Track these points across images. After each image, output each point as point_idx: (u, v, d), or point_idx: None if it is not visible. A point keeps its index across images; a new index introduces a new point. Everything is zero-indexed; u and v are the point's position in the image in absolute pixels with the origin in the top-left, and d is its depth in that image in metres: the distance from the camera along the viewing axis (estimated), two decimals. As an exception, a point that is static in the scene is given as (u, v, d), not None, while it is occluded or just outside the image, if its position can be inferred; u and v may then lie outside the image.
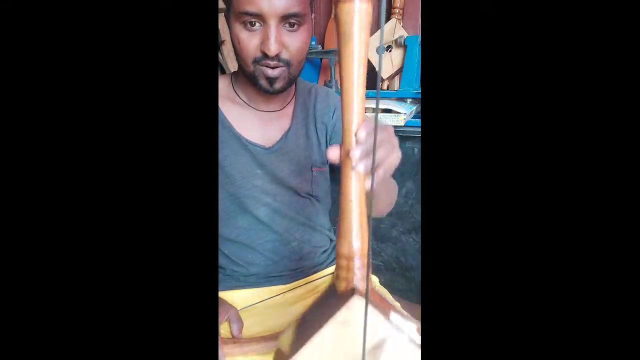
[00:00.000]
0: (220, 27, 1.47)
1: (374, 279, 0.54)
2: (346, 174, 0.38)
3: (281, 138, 0.70)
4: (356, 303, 0.36)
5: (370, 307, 0.35)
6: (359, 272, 0.39)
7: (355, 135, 0.37)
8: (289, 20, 0.57)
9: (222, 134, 0.67)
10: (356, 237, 0.39)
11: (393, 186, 0.70)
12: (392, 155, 0.42)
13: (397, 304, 0.58)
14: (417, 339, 0.36)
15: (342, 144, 0.38)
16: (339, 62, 0.36)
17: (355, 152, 0.37)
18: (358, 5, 0.33)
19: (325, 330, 0.36)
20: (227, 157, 0.67)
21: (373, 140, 0.36)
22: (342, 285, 0.40)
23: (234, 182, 0.68)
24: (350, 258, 0.39)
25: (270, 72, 0.60)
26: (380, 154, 0.39)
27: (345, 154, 0.38)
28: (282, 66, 0.60)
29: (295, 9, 0.56)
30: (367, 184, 0.38)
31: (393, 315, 0.37)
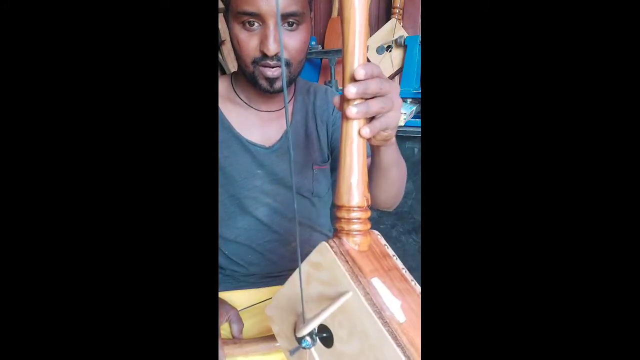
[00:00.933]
0: (220, 27, 1.47)
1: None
2: (345, 126, 0.37)
3: (281, 137, 0.70)
4: (324, 248, 0.38)
5: (337, 261, 0.36)
6: (359, 225, 0.38)
7: (353, 73, 0.35)
8: (287, 19, 0.57)
9: (222, 135, 0.67)
10: (356, 188, 0.38)
11: (398, 174, 0.61)
12: (390, 113, 0.40)
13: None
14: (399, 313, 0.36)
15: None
16: (341, 15, 0.36)
17: (350, 89, 0.35)
18: None
19: (299, 270, 0.39)
20: (228, 157, 0.68)
21: (372, 84, 0.36)
22: (350, 240, 0.39)
23: (234, 183, 0.68)
24: (350, 209, 0.38)
25: (270, 73, 0.60)
26: (376, 104, 0.37)
27: (345, 100, 0.37)
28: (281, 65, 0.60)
29: (293, 8, 0.56)
30: (364, 132, 0.37)
31: (375, 281, 0.37)
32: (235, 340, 0.62)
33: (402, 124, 1.27)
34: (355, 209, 0.38)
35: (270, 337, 0.61)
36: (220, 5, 0.67)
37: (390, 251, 0.42)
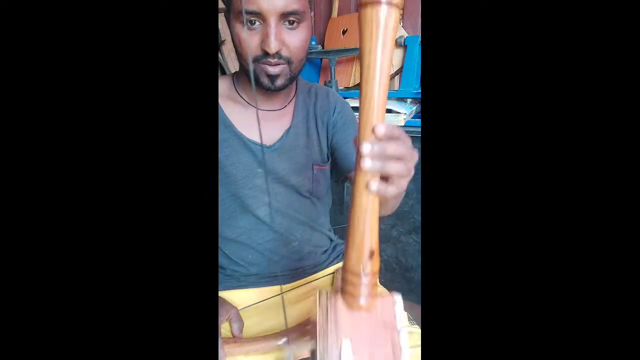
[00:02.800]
0: (220, 27, 1.47)
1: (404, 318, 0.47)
2: (359, 182, 0.35)
3: (282, 136, 0.70)
4: (317, 294, 0.37)
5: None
6: (366, 290, 0.36)
7: (373, 129, 0.33)
8: (288, 17, 0.57)
9: (223, 134, 0.67)
10: (367, 251, 0.36)
11: (398, 200, 0.67)
12: (405, 179, 0.37)
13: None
14: None
15: (357, 142, 0.35)
16: (361, 59, 0.32)
17: (366, 147, 0.33)
18: (386, 10, 0.29)
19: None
20: (228, 156, 0.68)
21: (390, 147, 0.33)
22: (348, 301, 0.37)
23: (235, 182, 0.68)
24: (356, 274, 0.36)
25: (272, 70, 0.60)
26: (393, 166, 0.35)
27: (359, 156, 0.34)
28: (282, 63, 0.60)
29: (294, 6, 0.56)
30: (372, 187, 0.34)
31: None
32: (236, 339, 0.62)
33: (402, 124, 1.27)
34: (356, 273, 0.36)
35: (270, 337, 0.61)
36: (221, 5, 0.67)
37: (403, 323, 0.38)
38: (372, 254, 0.36)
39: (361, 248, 0.36)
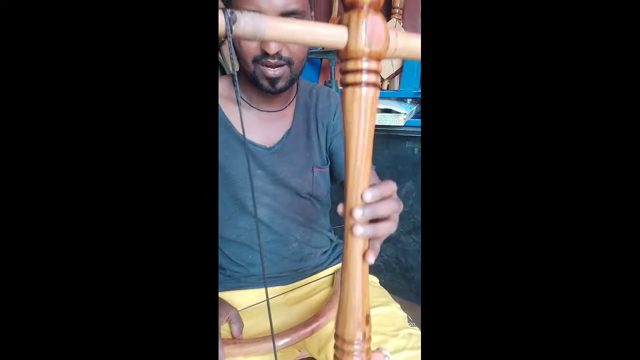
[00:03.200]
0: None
1: None
2: (351, 249, 0.35)
3: (282, 138, 0.70)
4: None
5: None
6: (360, 357, 0.36)
7: (362, 196, 0.34)
8: (288, 17, 0.57)
9: (223, 135, 0.67)
10: (359, 318, 0.35)
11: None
12: (393, 229, 0.39)
13: None
14: None
15: (344, 209, 0.35)
16: (345, 132, 0.33)
17: (357, 212, 0.33)
18: (365, 92, 0.31)
19: None
20: (228, 157, 0.68)
21: (381, 208, 0.34)
22: None
23: (235, 183, 0.68)
24: (350, 342, 0.35)
25: (272, 72, 0.60)
26: (384, 228, 0.36)
27: (348, 214, 0.34)
28: (283, 64, 0.60)
29: (294, 6, 0.56)
30: (370, 259, 0.35)
31: None
32: (235, 340, 0.62)
33: (402, 124, 1.27)
34: (351, 342, 0.36)
35: (269, 337, 0.61)
36: (220, 5, 0.67)
37: None
38: (367, 320, 0.36)
39: (356, 315, 0.35)
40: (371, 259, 0.35)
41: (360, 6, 0.29)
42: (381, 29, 0.30)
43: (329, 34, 0.30)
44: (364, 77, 0.31)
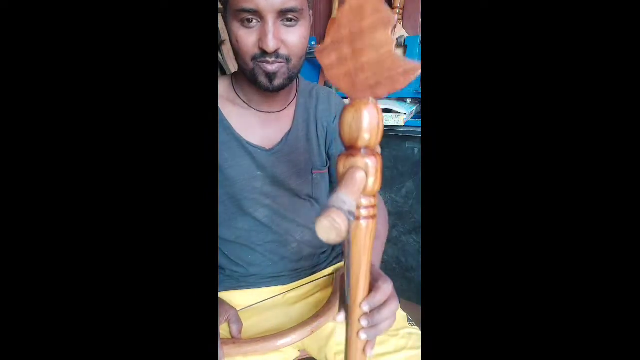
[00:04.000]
0: (220, 27, 1.47)
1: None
2: (354, 347, 0.40)
3: (281, 140, 0.70)
4: None
5: None
6: None
7: (361, 306, 0.38)
8: (286, 15, 0.56)
9: (222, 136, 0.67)
10: None
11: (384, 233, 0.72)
12: (391, 326, 0.44)
13: None
14: None
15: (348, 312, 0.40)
16: (347, 260, 0.36)
17: (363, 322, 0.39)
18: (364, 225, 0.33)
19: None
20: (227, 159, 0.67)
21: (383, 313, 0.40)
22: None
23: (234, 184, 0.68)
24: None
25: (270, 68, 0.59)
26: (385, 326, 0.42)
27: (353, 325, 0.39)
28: (281, 62, 0.59)
29: (292, 4, 0.56)
30: (369, 353, 0.40)
31: None
32: (235, 340, 0.62)
33: (402, 124, 1.27)
34: None
35: (269, 337, 0.61)
36: (219, 5, 0.67)
37: None
38: None
39: None
40: (369, 352, 0.41)
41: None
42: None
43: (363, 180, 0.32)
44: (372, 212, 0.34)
